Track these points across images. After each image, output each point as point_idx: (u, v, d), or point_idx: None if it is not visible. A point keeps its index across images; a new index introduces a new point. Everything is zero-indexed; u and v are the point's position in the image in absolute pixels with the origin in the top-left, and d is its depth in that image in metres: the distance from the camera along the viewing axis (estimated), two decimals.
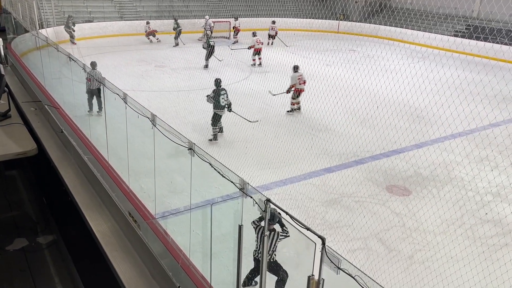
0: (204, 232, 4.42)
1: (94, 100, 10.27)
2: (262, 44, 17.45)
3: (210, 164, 3.70)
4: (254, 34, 17.54)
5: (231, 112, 9.73)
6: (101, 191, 1.79)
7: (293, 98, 11.89)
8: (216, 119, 9.55)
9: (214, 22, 23.52)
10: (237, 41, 23.40)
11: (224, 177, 3.51)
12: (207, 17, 23.36)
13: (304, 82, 11.90)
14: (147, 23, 22.62)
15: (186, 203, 5.38)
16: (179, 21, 21.67)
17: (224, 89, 9.57)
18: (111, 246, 1.58)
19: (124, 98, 5.83)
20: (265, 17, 27.16)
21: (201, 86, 14.09)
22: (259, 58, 17.57)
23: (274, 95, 11.53)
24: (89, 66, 9.65)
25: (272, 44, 22.55)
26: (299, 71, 11.84)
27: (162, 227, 5.38)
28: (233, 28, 23.95)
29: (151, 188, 5.87)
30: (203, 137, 9.59)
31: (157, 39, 22.45)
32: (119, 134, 7.02)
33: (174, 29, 21.55)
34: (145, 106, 5.76)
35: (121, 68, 16.00)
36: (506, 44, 19.18)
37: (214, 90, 9.56)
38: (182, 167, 4.84)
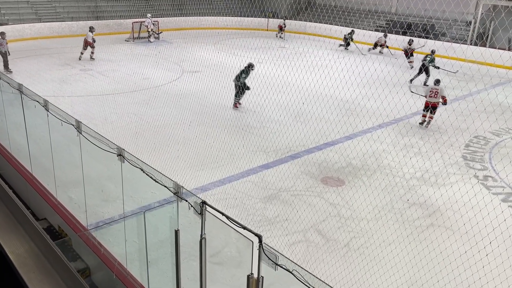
0: (140, 240, 4.29)
1: None
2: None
3: (142, 170, 3.58)
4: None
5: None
6: (15, 209, 1.65)
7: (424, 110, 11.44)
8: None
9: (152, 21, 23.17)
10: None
11: (157, 182, 3.42)
12: (149, 15, 22.96)
13: (436, 95, 11.08)
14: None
15: (121, 211, 5.18)
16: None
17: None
18: (27, 268, 1.46)
19: (45, 105, 5.49)
20: (194, 16, 26.90)
21: (130, 88, 13.64)
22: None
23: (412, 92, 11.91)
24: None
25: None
26: (437, 85, 11.26)
27: (96, 239, 5.14)
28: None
29: (82, 198, 5.57)
30: (135, 141, 9.28)
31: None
32: (43, 144, 6.59)
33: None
34: (69, 113, 5.45)
35: (41, 73, 14.99)
36: (422, 37, 20.58)
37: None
38: (113, 174, 4.65)
